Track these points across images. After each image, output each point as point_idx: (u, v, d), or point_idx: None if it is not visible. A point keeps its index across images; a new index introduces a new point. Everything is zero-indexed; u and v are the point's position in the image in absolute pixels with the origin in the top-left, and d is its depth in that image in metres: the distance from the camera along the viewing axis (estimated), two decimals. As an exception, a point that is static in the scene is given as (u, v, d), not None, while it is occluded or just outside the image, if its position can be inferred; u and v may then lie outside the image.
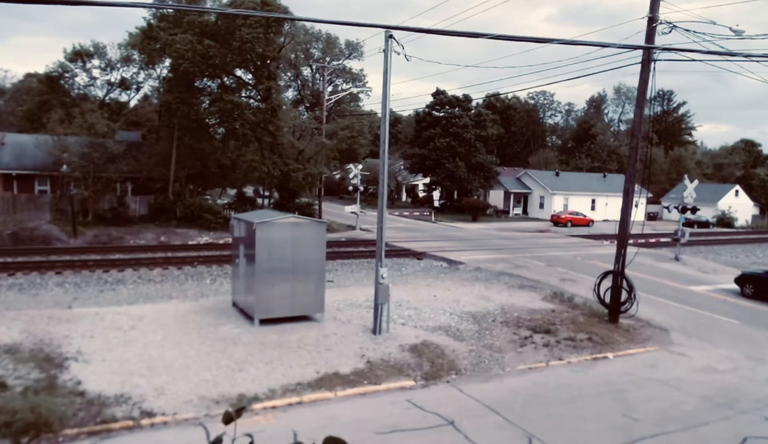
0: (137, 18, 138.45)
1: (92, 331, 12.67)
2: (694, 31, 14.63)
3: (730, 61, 14.56)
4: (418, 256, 27.28)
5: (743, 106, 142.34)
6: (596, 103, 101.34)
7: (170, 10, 35.26)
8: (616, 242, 16.94)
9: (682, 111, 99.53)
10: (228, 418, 2.06)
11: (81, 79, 48.89)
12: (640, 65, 15.67)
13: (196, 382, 10.15)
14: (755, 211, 70.73)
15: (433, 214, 54.52)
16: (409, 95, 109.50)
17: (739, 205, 66.25)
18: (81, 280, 19.06)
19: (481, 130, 60.88)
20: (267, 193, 42.76)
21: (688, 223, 38.12)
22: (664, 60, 16.80)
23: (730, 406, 10.58)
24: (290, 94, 59.82)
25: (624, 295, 16.06)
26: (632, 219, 15.96)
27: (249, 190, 53.91)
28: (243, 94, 38.57)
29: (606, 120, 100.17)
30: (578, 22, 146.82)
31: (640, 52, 15.63)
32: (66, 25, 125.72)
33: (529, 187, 63.81)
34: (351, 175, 51.77)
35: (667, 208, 60.00)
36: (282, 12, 33.71)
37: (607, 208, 61.15)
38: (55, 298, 16.52)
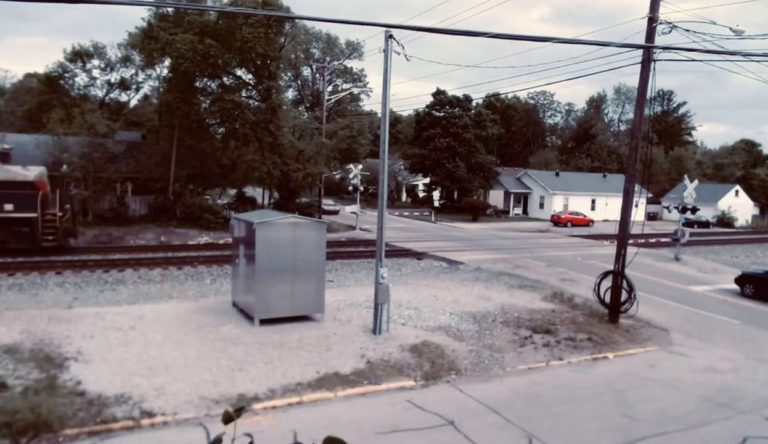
0: (137, 18, 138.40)
1: (92, 331, 12.67)
2: (694, 31, 14.65)
3: (730, 61, 14.57)
4: (418, 256, 27.27)
5: (741, 106, 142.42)
6: (596, 103, 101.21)
7: (170, 10, 35.26)
8: (616, 242, 16.93)
9: (682, 111, 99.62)
10: (227, 418, 2.06)
11: (81, 79, 48.85)
12: (639, 65, 15.68)
13: (196, 382, 10.15)
14: (755, 211, 70.73)
15: (433, 214, 54.50)
16: (409, 95, 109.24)
17: (739, 205, 66.24)
18: (81, 280, 19.06)
19: (481, 130, 60.90)
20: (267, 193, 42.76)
21: (688, 223, 38.11)
22: (664, 60, 16.80)
23: (730, 406, 10.58)
24: (290, 94, 59.76)
25: (624, 295, 16.06)
26: (632, 219, 15.96)
27: (249, 191, 53.90)
28: (243, 94, 38.54)
29: (606, 120, 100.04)
30: (572, 23, 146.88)
31: (639, 52, 15.63)
32: (66, 25, 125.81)
33: (529, 187, 63.80)
34: (351, 175, 51.84)
35: (667, 208, 60.07)
36: (284, 12, 33.70)
37: (607, 208, 61.14)
38: (55, 298, 16.52)
